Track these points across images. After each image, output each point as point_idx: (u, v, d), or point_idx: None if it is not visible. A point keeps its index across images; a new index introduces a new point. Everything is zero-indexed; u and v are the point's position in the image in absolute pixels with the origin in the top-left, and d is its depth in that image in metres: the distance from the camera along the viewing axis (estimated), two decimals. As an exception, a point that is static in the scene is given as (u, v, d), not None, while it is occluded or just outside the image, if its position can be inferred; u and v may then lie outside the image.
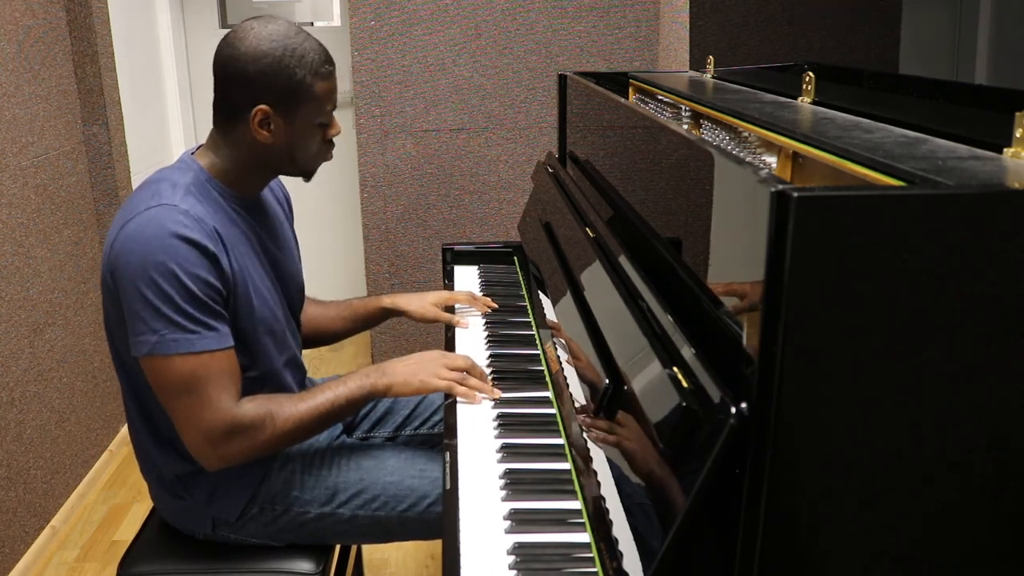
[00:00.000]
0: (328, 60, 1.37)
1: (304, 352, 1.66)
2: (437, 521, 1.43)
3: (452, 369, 1.44)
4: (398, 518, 1.47)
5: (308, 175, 1.46)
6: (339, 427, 1.65)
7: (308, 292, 1.75)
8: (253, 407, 1.32)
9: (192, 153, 1.43)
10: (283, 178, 1.57)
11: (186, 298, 1.26)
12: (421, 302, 1.76)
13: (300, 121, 1.36)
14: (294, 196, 1.69)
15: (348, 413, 1.42)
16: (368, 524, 1.48)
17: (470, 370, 1.46)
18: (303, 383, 1.60)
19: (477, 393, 1.43)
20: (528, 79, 2.92)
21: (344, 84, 3.58)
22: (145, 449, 1.46)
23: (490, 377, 1.50)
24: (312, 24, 3.71)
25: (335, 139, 1.45)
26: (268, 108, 1.33)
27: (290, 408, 1.35)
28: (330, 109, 1.39)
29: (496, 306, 1.80)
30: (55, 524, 2.43)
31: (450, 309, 1.79)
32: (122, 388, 1.45)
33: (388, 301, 1.78)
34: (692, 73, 1.86)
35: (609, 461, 1.02)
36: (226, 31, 3.63)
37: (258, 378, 1.43)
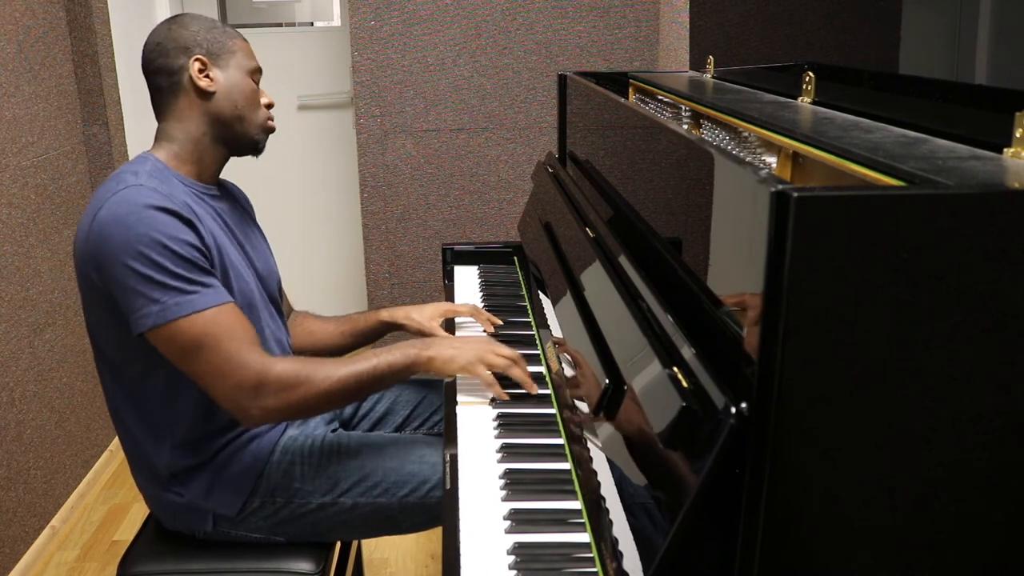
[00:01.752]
0: (230, 27, 1.52)
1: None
2: (438, 506, 1.42)
3: (501, 356, 1.42)
4: (399, 504, 1.47)
5: (255, 142, 1.50)
6: (334, 423, 1.65)
7: (309, 299, 1.75)
8: (284, 366, 1.32)
9: (148, 148, 1.47)
10: (241, 173, 1.59)
11: (177, 262, 1.28)
12: (419, 315, 1.73)
13: (232, 69, 1.45)
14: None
15: (389, 381, 1.41)
16: (369, 512, 1.48)
17: (517, 362, 1.44)
18: None
19: (530, 380, 1.41)
20: (528, 79, 2.92)
21: (344, 84, 3.59)
22: (139, 448, 1.46)
23: (492, 376, 1.48)
24: (312, 24, 3.71)
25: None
26: (203, 56, 1.43)
27: (330, 369, 1.35)
28: (257, 66, 1.50)
29: (501, 323, 1.72)
30: (55, 524, 2.43)
31: (451, 322, 1.75)
32: (108, 390, 1.45)
33: (386, 314, 1.77)
34: (692, 73, 1.86)
35: (609, 461, 1.02)
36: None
37: None
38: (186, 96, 1.43)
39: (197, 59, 1.42)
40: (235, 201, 1.60)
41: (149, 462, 1.46)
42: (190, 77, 1.42)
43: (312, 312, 1.80)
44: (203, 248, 1.34)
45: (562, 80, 1.96)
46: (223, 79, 1.44)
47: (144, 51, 1.45)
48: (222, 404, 1.33)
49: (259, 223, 1.68)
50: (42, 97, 2.45)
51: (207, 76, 1.43)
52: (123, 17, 2.96)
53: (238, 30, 1.51)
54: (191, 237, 1.31)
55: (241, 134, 1.48)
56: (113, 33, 2.77)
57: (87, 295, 1.38)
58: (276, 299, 1.62)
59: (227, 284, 1.39)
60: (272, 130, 1.52)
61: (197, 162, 1.46)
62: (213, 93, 1.43)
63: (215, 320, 1.29)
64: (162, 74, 1.44)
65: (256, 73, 1.49)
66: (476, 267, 2.13)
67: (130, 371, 1.38)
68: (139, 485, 1.52)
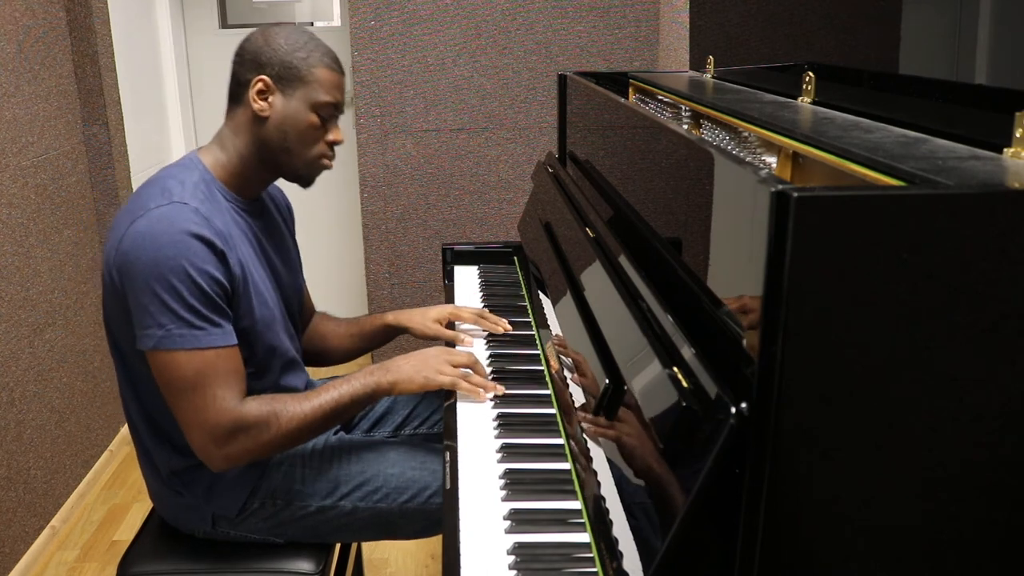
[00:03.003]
0: (336, 59, 1.45)
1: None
2: (438, 513, 1.43)
3: (455, 365, 1.44)
4: (399, 509, 1.47)
5: (305, 175, 1.47)
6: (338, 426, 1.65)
7: (312, 296, 1.75)
8: (257, 406, 1.33)
9: (198, 150, 1.45)
10: (284, 186, 1.58)
11: (195, 294, 1.27)
12: (423, 318, 1.72)
13: (297, 99, 1.40)
14: (290, 194, 1.68)
15: (353, 412, 1.42)
16: (369, 517, 1.48)
17: (473, 366, 1.46)
18: (305, 386, 1.61)
19: (480, 389, 1.43)
20: (528, 79, 2.92)
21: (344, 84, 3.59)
22: (143, 445, 1.47)
23: (490, 377, 1.50)
24: (312, 24, 3.71)
25: (336, 149, 1.47)
26: (268, 79, 1.39)
27: (294, 407, 1.35)
28: (330, 101, 1.42)
29: (510, 329, 1.70)
30: (55, 524, 2.43)
31: (453, 324, 1.74)
32: (121, 383, 1.46)
33: (391, 318, 1.76)
34: (692, 73, 1.86)
35: (609, 461, 1.02)
36: (226, 31, 3.64)
37: (255, 374, 1.43)
38: (244, 111, 1.42)
39: (261, 80, 1.39)
40: (273, 213, 1.58)
41: (151, 458, 1.47)
42: (252, 95, 1.40)
43: (328, 313, 1.80)
44: (228, 280, 1.33)
45: (562, 80, 1.96)
46: (280, 107, 1.41)
47: (236, 49, 1.45)
48: (193, 446, 1.33)
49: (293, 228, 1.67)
50: (42, 97, 2.45)
51: (265, 99, 1.40)
52: (123, 17, 2.96)
53: (335, 61, 1.44)
54: (218, 271, 1.31)
55: (285, 164, 1.45)
56: (113, 33, 2.77)
57: (109, 290, 1.37)
58: (296, 316, 1.61)
59: (249, 310, 1.39)
60: (325, 168, 1.48)
61: (240, 177, 1.45)
62: (266, 118, 1.41)
63: (212, 362, 1.29)
64: (233, 80, 1.43)
65: (326, 108, 1.42)
66: (476, 267, 2.13)
67: (139, 368, 1.39)
68: (144, 476, 1.52)
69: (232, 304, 1.36)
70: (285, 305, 1.55)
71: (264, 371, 1.46)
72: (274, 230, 1.55)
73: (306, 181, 1.49)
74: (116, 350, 1.43)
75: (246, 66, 1.41)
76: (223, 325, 1.31)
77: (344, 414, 1.40)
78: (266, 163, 1.45)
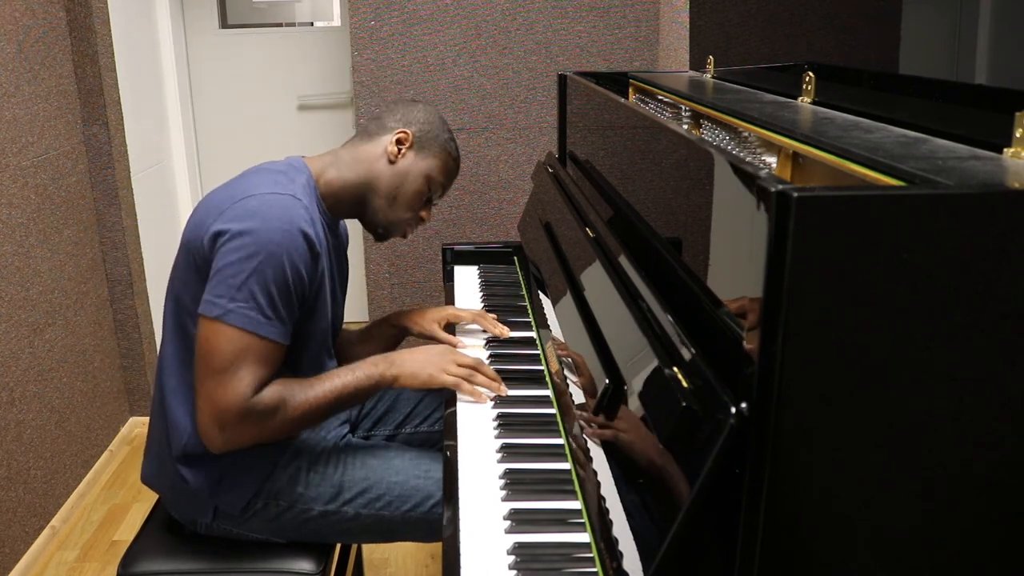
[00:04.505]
0: (459, 160, 1.61)
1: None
2: (440, 522, 1.42)
3: (460, 366, 1.45)
4: (402, 518, 1.47)
5: (384, 231, 1.58)
6: (346, 427, 1.65)
7: None
8: (269, 393, 1.34)
9: (303, 158, 1.51)
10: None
11: (280, 286, 1.31)
12: (421, 318, 1.74)
13: (423, 164, 1.53)
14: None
15: (355, 402, 1.44)
16: (371, 523, 1.48)
17: (478, 368, 1.46)
18: None
19: (483, 392, 1.43)
20: (528, 79, 2.92)
21: (344, 84, 3.59)
22: (167, 418, 1.45)
23: (459, 380, 1.47)
24: (312, 24, 3.71)
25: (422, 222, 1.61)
26: (410, 133, 1.52)
27: (301, 395, 1.37)
28: (441, 183, 1.57)
29: (508, 332, 1.71)
30: (55, 524, 2.43)
31: (452, 326, 1.74)
32: (166, 353, 1.45)
33: (394, 319, 1.78)
34: (692, 73, 1.86)
35: (609, 461, 1.02)
36: (226, 31, 3.64)
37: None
38: (373, 148, 1.52)
39: (405, 132, 1.52)
40: (341, 236, 1.64)
41: (167, 435, 1.45)
42: (390, 140, 1.52)
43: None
44: (311, 281, 1.37)
45: (562, 80, 1.96)
46: (407, 161, 1.52)
47: (392, 102, 1.56)
48: (200, 423, 1.35)
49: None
50: (42, 97, 2.45)
51: (400, 149, 1.52)
52: (123, 17, 2.96)
53: (458, 161, 1.60)
54: (308, 270, 1.35)
55: (378, 211, 1.54)
56: (113, 33, 2.77)
57: (189, 264, 1.38)
58: (335, 338, 1.64)
59: (311, 316, 1.43)
60: (402, 236, 1.60)
61: (336, 198, 1.52)
62: (391, 163, 1.52)
63: (256, 349, 1.31)
64: (376, 121, 1.56)
65: (436, 187, 1.56)
66: (476, 267, 2.13)
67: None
68: (147, 463, 1.52)
69: (303, 305, 1.39)
70: (332, 329, 1.57)
71: (302, 374, 1.46)
72: (341, 253, 1.61)
73: (381, 237, 1.60)
74: (178, 323, 1.43)
75: (396, 116, 1.55)
76: (286, 323, 1.34)
77: (347, 403, 1.42)
78: (363, 201, 1.53)
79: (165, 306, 1.47)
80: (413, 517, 1.47)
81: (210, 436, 1.34)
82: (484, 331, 1.71)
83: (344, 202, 1.53)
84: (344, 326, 1.79)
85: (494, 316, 1.74)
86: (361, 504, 1.47)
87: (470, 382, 1.44)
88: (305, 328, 1.43)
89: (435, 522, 1.47)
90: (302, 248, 1.33)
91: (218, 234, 1.32)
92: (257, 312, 1.30)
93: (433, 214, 2.98)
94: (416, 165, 1.52)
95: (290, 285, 1.32)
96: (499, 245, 2.18)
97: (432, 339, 1.70)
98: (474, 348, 1.64)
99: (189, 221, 1.41)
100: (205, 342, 1.32)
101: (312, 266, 1.36)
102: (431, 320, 1.73)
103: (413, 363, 1.44)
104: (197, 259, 1.36)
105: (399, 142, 1.52)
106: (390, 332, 1.78)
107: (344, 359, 1.75)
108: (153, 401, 1.51)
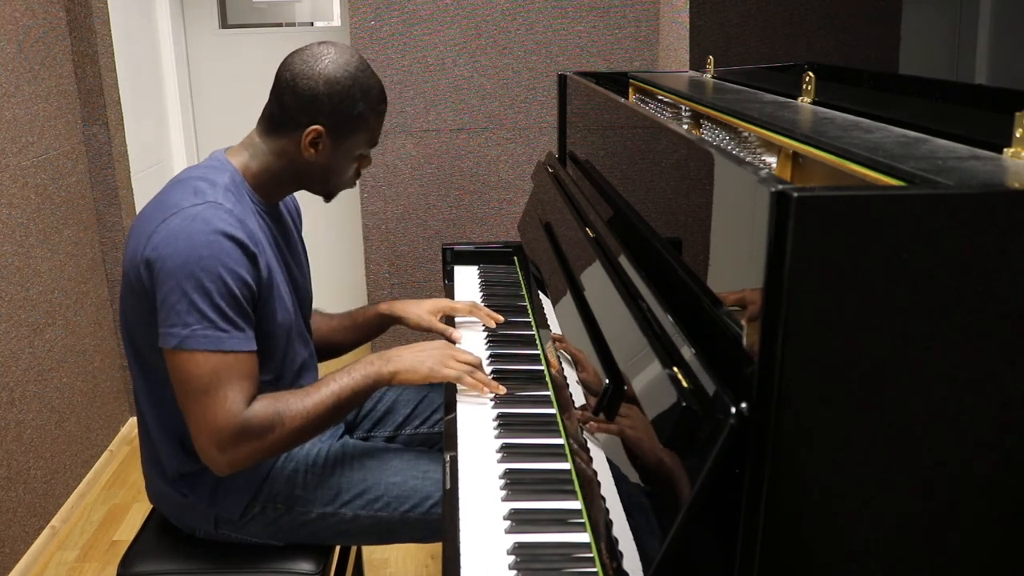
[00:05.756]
0: (385, 99, 1.45)
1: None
2: (439, 522, 1.42)
3: (460, 361, 1.44)
4: (400, 518, 1.47)
5: (330, 197, 1.51)
6: (341, 427, 1.65)
7: (314, 296, 1.75)
8: (262, 407, 1.32)
9: (225, 151, 1.45)
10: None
11: (224, 296, 1.27)
12: (418, 309, 1.73)
13: (346, 148, 1.43)
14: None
15: (355, 404, 1.41)
16: (370, 524, 1.48)
17: (477, 366, 1.46)
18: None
19: (485, 388, 1.43)
20: (528, 79, 2.92)
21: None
22: (153, 444, 1.46)
23: (491, 378, 1.49)
24: (312, 24, 3.71)
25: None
26: (323, 129, 1.38)
27: (297, 405, 1.34)
28: (372, 144, 1.47)
29: (502, 320, 1.73)
30: (55, 524, 2.43)
31: (450, 319, 1.75)
32: (135, 381, 1.45)
33: (385, 307, 1.76)
34: (692, 73, 1.86)
35: (609, 461, 1.02)
36: (226, 31, 3.64)
37: (272, 381, 1.43)
38: (289, 143, 1.41)
39: (315, 129, 1.38)
40: (285, 215, 1.58)
41: (159, 458, 1.46)
42: (304, 141, 1.39)
43: (320, 309, 1.80)
44: (256, 284, 1.33)
45: (562, 80, 1.96)
46: (330, 154, 1.42)
47: (284, 68, 1.39)
48: (199, 449, 1.32)
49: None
50: (42, 97, 2.45)
51: (317, 147, 1.40)
52: (123, 17, 2.96)
53: (384, 99, 1.45)
54: (248, 274, 1.31)
55: (318, 188, 1.50)
56: (113, 33, 2.77)
57: (131, 289, 1.36)
58: (308, 319, 1.61)
59: (272, 314, 1.39)
60: (353, 186, 1.53)
61: (267, 185, 1.45)
62: (312, 161, 1.42)
63: (230, 365, 1.28)
64: (280, 107, 1.40)
65: (366, 151, 1.47)
66: (476, 267, 2.13)
67: (157, 369, 1.38)
68: (146, 475, 1.52)
69: (257, 308, 1.36)
70: (300, 310, 1.55)
71: (280, 375, 1.47)
72: (288, 233, 1.56)
73: (329, 199, 1.53)
74: (134, 350, 1.42)
75: (300, 105, 1.37)
76: (246, 330, 1.31)
77: (347, 407, 1.39)
78: (297, 182, 1.48)
79: (120, 331, 1.45)
80: (412, 518, 1.47)
81: (213, 460, 1.32)
82: (481, 328, 1.71)
83: (278, 188, 1.47)
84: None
85: (487, 312, 1.74)
86: (360, 505, 1.47)
87: (471, 376, 1.43)
88: (267, 327, 1.39)
89: (434, 522, 1.46)
90: (235, 253, 1.28)
91: (149, 263, 1.29)
92: (213, 329, 1.27)
93: (433, 214, 3.00)
94: (339, 150, 1.42)
95: (235, 292, 1.28)
96: (499, 245, 2.18)
97: (428, 331, 1.70)
98: (473, 342, 1.65)
99: (126, 245, 1.38)
100: (176, 373, 1.29)
101: (251, 267, 1.32)
102: (428, 311, 1.72)
103: (412, 358, 1.42)
104: (136, 287, 1.33)
105: (312, 143, 1.39)
106: (376, 320, 1.76)
107: (323, 341, 1.75)
108: (138, 425, 1.50)
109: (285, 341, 1.45)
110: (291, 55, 1.40)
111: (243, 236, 1.30)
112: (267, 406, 1.32)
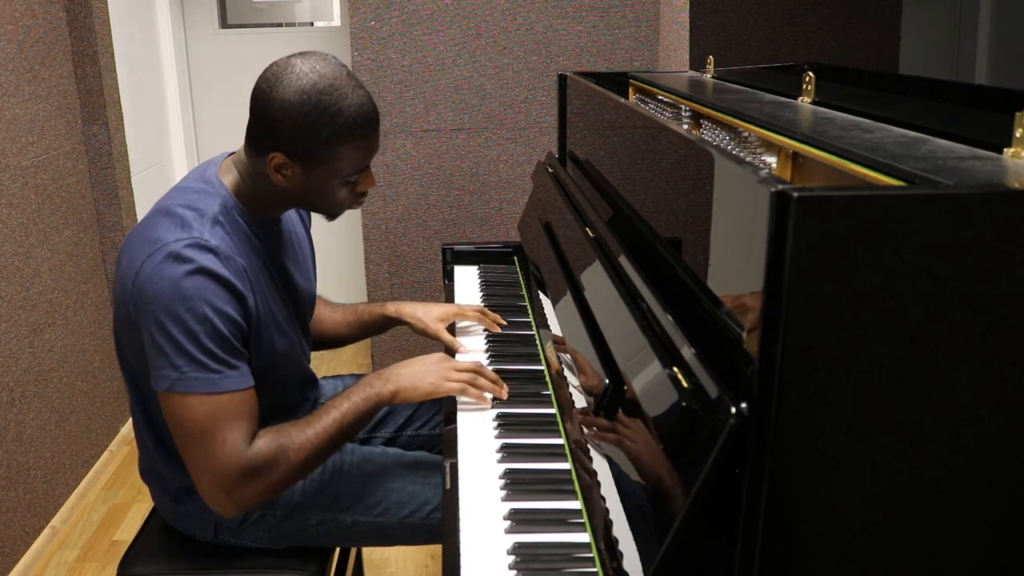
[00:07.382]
0: (368, 122, 1.29)
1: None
2: (439, 527, 1.42)
3: (461, 371, 1.42)
4: (400, 524, 1.47)
5: (331, 217, 1.42)
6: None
7: None
8: (264, 444, 1.28)
9: (219, 166, 1.38)
10: None
11: (212, 336, 1.23)
12: (425, 315, 1.69)
13: (320, 175, 1.31)
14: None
15: (358, 429, 1.37)
16: (369, 529, 1.47)
17: (479, 372, 1.44)
18: (315, 397, 1.61)
19: (487, 395, 1.41)
20: (528, 79, 2.92)
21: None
22: (150, 456, 1.45)
23: (464, 386, 1.44)
24: (312, 24, 3.71)
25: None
26: (283, 157, 1.28)
27: (300, 437, 1.30)
28: (357, 170, 1.33)
29: (505, 323, 1.71)
30: (55, 524, 2.43)
31: (452, 324, 1.74)
32: (130, 396, 1.43)
33: (392, 309, 1.73)
34: (692, 73, 1.86)
35: (609, 461, 1.02)
36: (226, 31, 3.64)
37: (273, 406, 1.41)
38: (263, 165, 1.31)
39: (275, 157, 1.27)
40: (287, 219, 1.51)
41: (160, 473, 1.45)
42: (270, 168, 1.29)
43: (323, 297, 1.76)
44: (246, 320, 1.29)
45: (562, 80, 1.96)
46: (301, 180, 1.31)
47: (256, 86, 1.28)
48: (203, 495, 1.29)
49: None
50: (42, 97, 2.45)
51: (283, 173, 1.30)
52: (123, 17, 2.96)
53: (366, 121, 1.28)
54: (236, 312, 1.26)
55: (310, 209, 1.43)
56: (113, 33, 2.77)
57: (123, 319, 1.32)
58: (308, 323, 1.58)
59: (270, 346, 1.36)
60: (352, 208, 1.40)
61: (262, 205, 1.38)
62: (287, 187, 1.32)
63: (226, 406, 1.24)
64: (249, 125, 1.31)
65: (352, 172, 1.32)
66: (476, 267, 2.13)
67: (151, 393, 1.34)
68: (146, 482, 1.52)
69: (249, 343, 1.32)
70: (299, 318, 1.51)
71: (282, 394, 1.46)
72: (290, 236, 1.50)
73: (331, 218, 1.43)
74: (128, 372, 1.40)
75: (260, 127, 1.28)
76: (239, 367, 1.26)
77: (350, 433, 1.36)
78: (286, 203, 1.39)
79: (116, 350, 1.42)
80: (411, 523, 1.46)
81: (220, 505, 1.28)
82: (482, 330, 1.71)
83: (270, 206, 1.39)
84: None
85: (495, 317, 1.73)
86: (359, 511, 1.46)
87: (474, 386, 1.41)
88: (268, 357, 1.36)
89: (433, 527, 1.46)
90: (217, 290, 1.23)
91: (136, 303, 1.25)
92: (204, 371, 1.22)
93: (433, 214, 3.00)
94: (311, 176, 1.30)
95: (223, 332, 1.23)
96: (499, 245, 2.18)
97: (433, 339, 1.68)
98: (474, 350, 1.64)
99: (116, 271, 1.33)
100: (171, 417, 1.25)
101: (239, 305, 1.27)
102: (436, 319, 1.69)
103: (411, 376, 1.39)
104: (126, 319, 1.30)
105: (277, 169, 1.29)
106: (382, 320, 1.74)
107: (325, 332, 1.73)
108: (135, 435, 1.48)
109: (284, 367, 1.43)
110: (265, 69, 1.29)
111: (228, 274, 1.25)
112: (270, 442, 1.28)
